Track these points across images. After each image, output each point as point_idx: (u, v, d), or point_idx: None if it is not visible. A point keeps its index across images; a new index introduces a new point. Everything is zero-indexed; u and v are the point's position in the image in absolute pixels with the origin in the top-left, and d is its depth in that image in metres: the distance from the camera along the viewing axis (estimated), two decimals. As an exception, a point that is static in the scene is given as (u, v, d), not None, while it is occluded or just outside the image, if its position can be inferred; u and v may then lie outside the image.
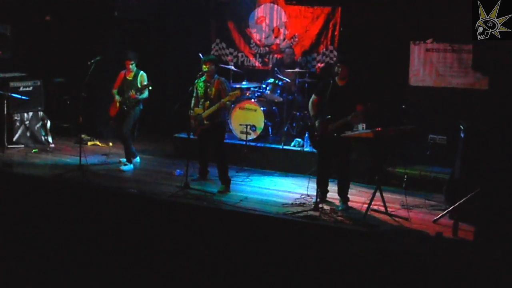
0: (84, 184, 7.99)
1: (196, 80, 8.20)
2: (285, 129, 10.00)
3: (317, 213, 7.21)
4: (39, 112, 10.68)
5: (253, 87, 10.38)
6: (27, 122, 10.51)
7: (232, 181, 8.37)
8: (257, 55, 11.27)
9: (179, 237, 6.21)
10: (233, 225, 6.52)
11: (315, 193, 7.49)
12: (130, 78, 9.06)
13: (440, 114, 9.18)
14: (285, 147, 9.61)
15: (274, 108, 10.21)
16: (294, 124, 10.23)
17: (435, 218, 7.22)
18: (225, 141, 8.70)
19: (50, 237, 6.62)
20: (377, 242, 5.70)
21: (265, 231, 6.14)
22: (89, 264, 6.08)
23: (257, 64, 11.28)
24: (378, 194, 7.26)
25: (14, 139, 10.35)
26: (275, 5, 11.01)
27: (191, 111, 8.31)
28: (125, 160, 9.18)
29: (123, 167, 9.03)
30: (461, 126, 7.67)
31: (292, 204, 7.71)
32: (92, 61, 8.69)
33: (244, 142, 9.58)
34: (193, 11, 11.50)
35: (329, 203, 7.80)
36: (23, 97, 10.19)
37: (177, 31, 11.64)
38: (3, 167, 8.79)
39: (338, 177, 7.74)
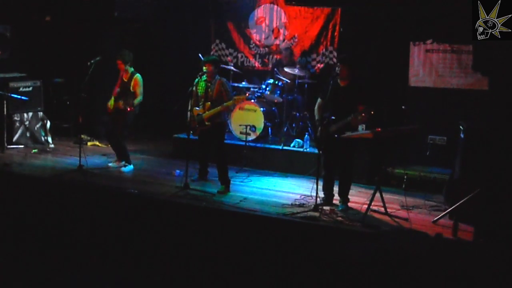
0: (84, 184, 7.98)
1: (197, 80, 8.19)
2: (285, 129, 10.00)
3: (317, 214, 7.21)
4: (39, 113, 10.68)
5: (253, 88, 10.38)
6: (26, 123, 10.51)
7: (231, 182, 8.36)
8: (257, 56, 11.27)
9: (179, 237, 6.21)
10: (233, 225, 6.51)
11: (315, 193, 7.47)
12: (126, 80, 8.96)
13: (439, 115, 9.18)
14: (284, 147, 9.62)
15: (273, 108, 10.22)
16: (293, 125, 10.23)
17: (435, 218, 7.22)
18: (225, 141, 8.69)
19: (50, 237, 6.62)
20: (377, 243, 5.70)
21: (265, 232, 6.14)
22: (89, 264, 6.08)
23: (256, 64, 11.28)
24: (378, 194, 7.26)
25: (14, 139, 10.35)
26: (275, 6, 11.02)
27: (189, 112, 8.29)
28: (123, 162, 9.13)
29: (124, 169, 9.01)
30: (460, 126, 7.67)
31: (292, 204, 7.71)
32: (92, 61, 8.69)
33: (244, 143, 9.58)
34: (192, 11, 11.51)
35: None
36: (23, 98, 10.18)
37: (177, 31, 11.65)
38: (3, 167, 8.78)
39: (339, 177, 7.73)
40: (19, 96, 10.14)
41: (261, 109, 9.76)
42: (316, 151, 7.88)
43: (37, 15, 11.82)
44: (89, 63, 8.67)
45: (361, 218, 7.10)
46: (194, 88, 8.22)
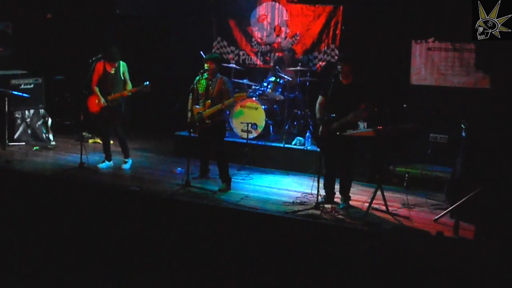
0: (85, 182, 7.98)
1: (198, 77, 8.18)
2: (286, 127, 9.99)
3: (318, 212, 7.21)
4: (40, 110, 10.69)
5: (254, 86, 10.38)
6: (28, 120, 10.51)
7: (233, 180, 8.36)
8: (259, 54, 11.25)
9: (179, 235, 6.21)
10: (234, 223, 6.52)
11: (317, 191, 7.46)
12: (113, 72, 8.71)
13: (441, 113, 9.17)
14: (286, 145, 9.61)
15: (275, 106, 10.21)
16: (295, 123, 10.22)
17: (436, 217, 7.21)
18: (226, 139, 8.69)
19: (51, 234, 6.63)
20: (378, 241, 5.70)
21: (266, 230, 6.14)
22: (90, 261, 6.08)
23: (258, 62, 11.26)
24: (379, 193, 7.25)
25: (15, 136, 10.35)
26: (277, 3, 11.00)
27: (189, 110, 8.28)
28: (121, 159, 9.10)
29: (124, 166, 9.00)
30: (462, 125, 7.66)
31: (293, 202, 7.70)
32: (94, 58, 8.67)
33: (245, 141, 9.58)
34: (194, 9, 11.50)
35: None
36: (24, 95, 10.19)
37: (179, 29, 11.64)
38: (4, 165, 8.79)
39: (340, 175, 7.73)
40: (20, 93, 10.15)
41: (263, 107, 9.75)
42: (317, 149, 7.87)
43: (39, 12, 11.82)
44: (90, 61, 8.65)
45: (362, 216, 7.10)
46: (195, 86, 8.21)
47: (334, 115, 7.33)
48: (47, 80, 10.97)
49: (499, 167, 6.94)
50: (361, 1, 9.89)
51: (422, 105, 9.34)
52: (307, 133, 9.47)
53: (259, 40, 11.22)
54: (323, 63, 10.67)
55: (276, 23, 11.03)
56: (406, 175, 8.55)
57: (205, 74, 8.11)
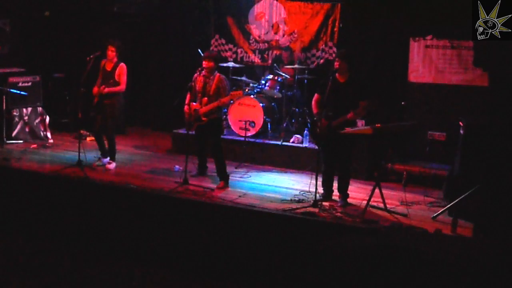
0: (83, 179, 7.97)
1: (196, 75, 8.17)
2: (284, 125, 9.99)
3: (316, 209, 7.21)
4: (38, 108, 10.66)
5: (252, 83, 10.38)
6: (26, 118, 10.49)
7: (230, 177, 8.36)
8: (257, 51, 11.24)
9: (177, 232, 6.21)
10: (232, 221, 6.50)
11: (315, 189, 7.46)
12: (110, 70, 8.76)
13: (439, 111, 9.18)
14: (284, 143, 9.61)
15: (273, 104, 10.21)
16: (293, 120, 10.23)
17: (434, 214, 7.23)
18: (224, 137, 8.67)
19: (49, 232, 6.62)
20: (376, 239, 5.70)
21: (264, 227, 6.13)
22: (87, 259, 6.08)
23: (256, 60, 11.25)
24: (377, 190, 7.25)
25: (13, 134, 10.33)
26: (275, 1, 10.98)
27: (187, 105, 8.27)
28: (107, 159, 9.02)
29: (110, 166, 8.91)
30: (460, 122, 7.66)
31: (291, 200, 7.70)
32: (92, 56, 8.65)
33: (243, 138, 9.58)
34: (192, 7, 11.49)
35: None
36: (22, 93, 10.17)
37: (177, 26, 11.63)
38: (2, 162, 8.78)
39: (339, 173, 7.73)
40: (18, 91, 10.13)
41: (261, 104, 9.75)
42: (315, 146, 7.87)
43: (37, 10, 11.79)
44: (88, 58, 8.63)
45: (360, 214, 7.11)
46: (193, 84, 8.20)
47: (331, 113, 7.34)
48: (45, 78, 10.95)
49: (497, 164, 6.95)
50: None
51: (420, 102, 9.35)
52: (305, 131, 9.47)
53: (257, 37, 11.20)
54: (321, 61, 10.65)
55: (274, 21, 11.01)
56: (404, 172, 8.56)
57: (203, 71, 8.11)
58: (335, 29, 10.48)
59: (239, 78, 10.38)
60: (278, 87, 10.19)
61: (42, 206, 6.88)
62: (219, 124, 8.48)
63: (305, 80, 10.15)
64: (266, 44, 11.15)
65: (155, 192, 7.63)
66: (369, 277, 5.28)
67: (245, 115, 9.71)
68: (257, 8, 11.15)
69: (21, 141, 10.33)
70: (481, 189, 6.82)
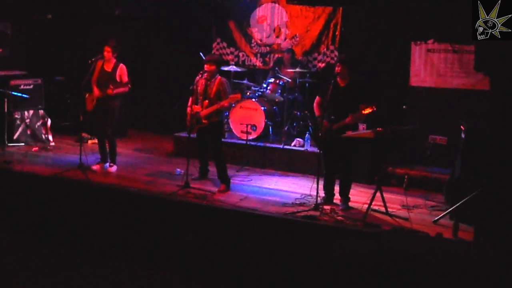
0: (84, 182, 7.97)
1: (198, 78, 8.18)
2: (286, 128, 9.99)
3: (317, 213, 7.21)
4: (40, 111, 10.67)
5: (254, 87, 10.39)
6: (27, 120, 10.50)
7: (232, 181, 8.36)
8: (258, 55, 11.26)
9: (178, 236, 6.21)
10: (233, 224, 6.50)
11: (316, 193, 7.45)
12: (109, 70, 8.71)
13: (440, 115, 9.18)
14: (285, 146, 9.61)
15: (274, 107, 10.21)
16: (294, 124, 10.23)
17: (435, 218, 7.22)
18: (225, 140, 8.67)
19: (50, 235, 6.62)
20: (377, 242, 5.69)
21: (265, 231, 6.13)
22: (89, 261, 6.08)
23: (258, 63, 11.27)
24: (378, 194, 7.25)
25: (15, 137, 10.34)
26: (276, 5, 11.01)
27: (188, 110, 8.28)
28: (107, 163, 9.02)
29: (111, 169, 8.91)
30: (461, 126, 7.66)
31: (292, 203, 7.70)
32: (93, 59, 8.66)
33: (245, 142, 9.58)
34: (194, 10, 11.50)
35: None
36: (24, 95, 10.19)
37: (178, 30, 11.63)
38: (3, 165, 8.77)
39: (340, 177, 7.73)
40: (20, 94, 10.15)
41: (262, 108, 9.76)
42: (317, 150, 7.87)
43: (38, 13, 11.81)
44: (90, 61, 8.65)
45: (361, 218, 7.10)
46: (195, 87, 8.21)
47: (333, 117, 7.34)
48: (46, 81, 10.96)
49: (498, 168, 6.93)
50: (361, 2, 9.88)
51: (422, 106, 9.36)
52: (307, 134, 9.47)
53: (258, 41, 11.22)
54: (323, 65, 10.67)
55: (276, 24, 11.04)
56: (406, 176, 8.55)
57: (204, 74, 8.11)
58: (337, 33, 10.50)
59: (240, 81, 10.39)
60: (279, 91, 10.20)
61: (43, 209, 6.88)
62: (220, 127, 8.48)
63: (307, 84, 10.16)
64: (267, 48, 11.17)
65: (156, 195, 7.63)
66: (370, 281, 5.28)
67: (247, 119, 9.72)
68: (259, 12, 11.17)
69: (23, 144, 10.34)
70: (482, 193, 6.81)
